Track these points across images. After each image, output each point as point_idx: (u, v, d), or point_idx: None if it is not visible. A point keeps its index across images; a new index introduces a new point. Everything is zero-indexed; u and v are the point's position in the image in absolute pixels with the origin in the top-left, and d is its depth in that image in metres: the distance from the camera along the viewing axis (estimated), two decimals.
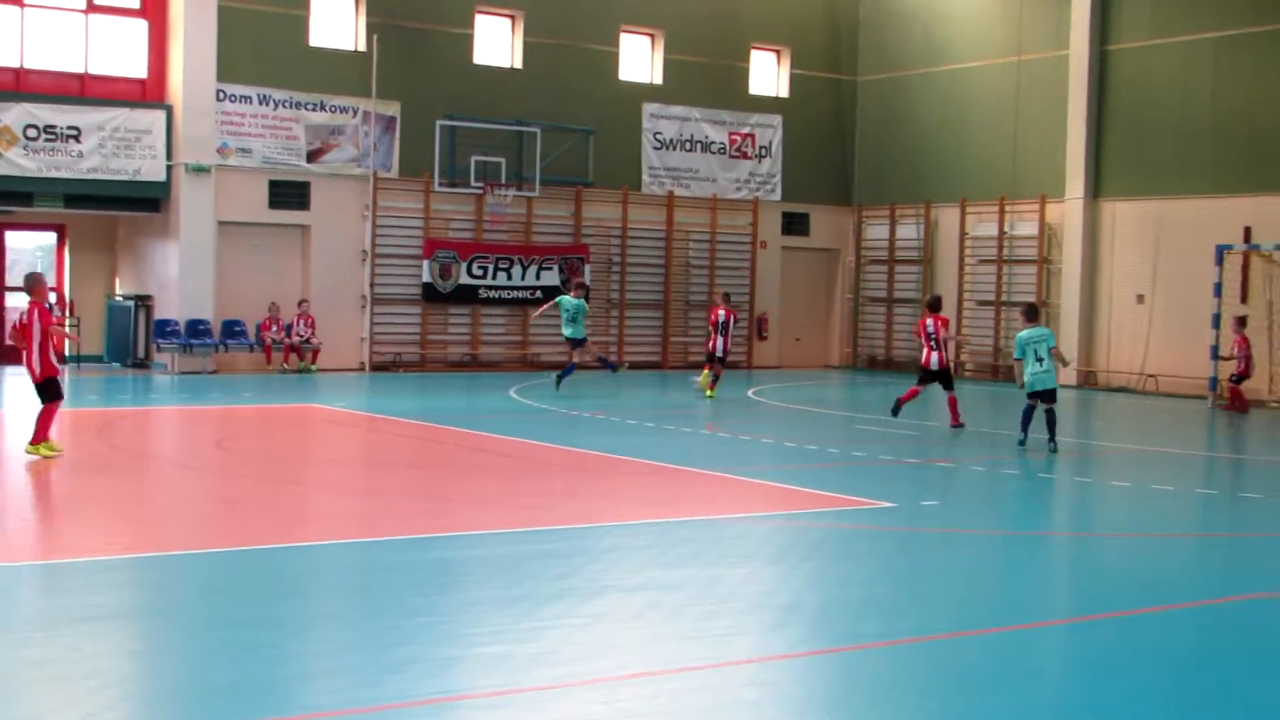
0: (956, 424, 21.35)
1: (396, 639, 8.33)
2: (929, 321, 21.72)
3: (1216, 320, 27.76)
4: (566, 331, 26.92)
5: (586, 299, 27.82)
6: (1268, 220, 28.55)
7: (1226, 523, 14.39)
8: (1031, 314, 19.89)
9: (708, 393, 26.35)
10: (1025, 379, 19.06)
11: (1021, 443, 19.04)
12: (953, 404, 21.55)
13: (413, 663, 7.84)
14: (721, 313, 26.40)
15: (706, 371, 26.99)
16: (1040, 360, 18.84)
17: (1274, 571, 11.44)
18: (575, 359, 27.16)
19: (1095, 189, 32.13)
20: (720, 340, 26.43)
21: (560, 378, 26.43)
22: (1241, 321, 27.15)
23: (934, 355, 21.54)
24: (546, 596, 9.59)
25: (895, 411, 21.80)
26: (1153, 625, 9.45)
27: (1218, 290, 27.89)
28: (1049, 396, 18.89)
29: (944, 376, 21.69)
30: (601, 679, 7.64)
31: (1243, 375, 26.71)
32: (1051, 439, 18.78)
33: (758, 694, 7.60)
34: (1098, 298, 32.01)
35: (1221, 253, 27.99)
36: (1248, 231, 28.81)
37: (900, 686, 7.83)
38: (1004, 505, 15.12)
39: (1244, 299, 28.63)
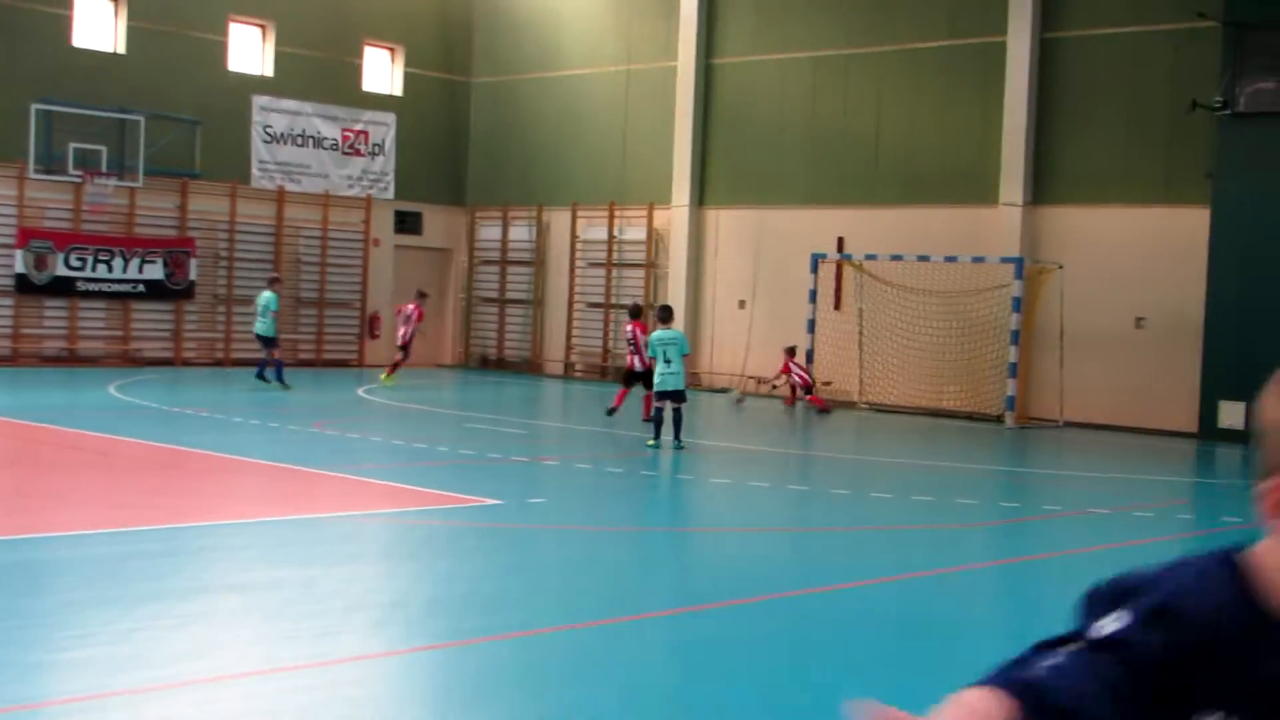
0: (648, 418, 21.74)
1: None
2: (628, 328, 23.43)
3: (811, 325, 29.09)
4: (259, 328, 26.97)
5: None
6: (859, 231, 30.04)
7: (813, 518, 15.08)
8: (666, 315, 20.50)
9: (386, 381, 29.04)
10: (655, 380, 19.49)
11: (654, 444, 19.35)
12: (648, 401, 22.04)
13: None
14: (410, 307, 28.43)
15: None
16: (669, 362, 19.18)
17: (851, 563, 12.05)
18: (277, 355, 27.14)
19: (700, 197, 33.16)
20: (404, 331, 29.43)
21: (280, 377, 26.80)
22: (791, 351, 28.83)
23: (635, 359, 22.80)
24: (141, 598, 9.29)
25: (610, 413, 22.84)
26: (742, 615, 9.82)
27: (812, 296, 29.22)
28: (677, 397, 19.26)
29: (645, 377, 22.04)
30: (197, 680, 7.45)
31: (808, 387, 28.54)
32: (677, 438, 19.26)
33: (359, 692, 7.56)
34: (702, 302, 33.04)
35: (816, 261, 29.34)
36: (840, 241, 30.24)
37: (504, 681, 7.91)
38: (608, 502, 15.45)
39: (837, 305, 30.05)
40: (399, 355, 29.74)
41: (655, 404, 19.78)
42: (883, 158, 30.17)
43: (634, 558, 12.22)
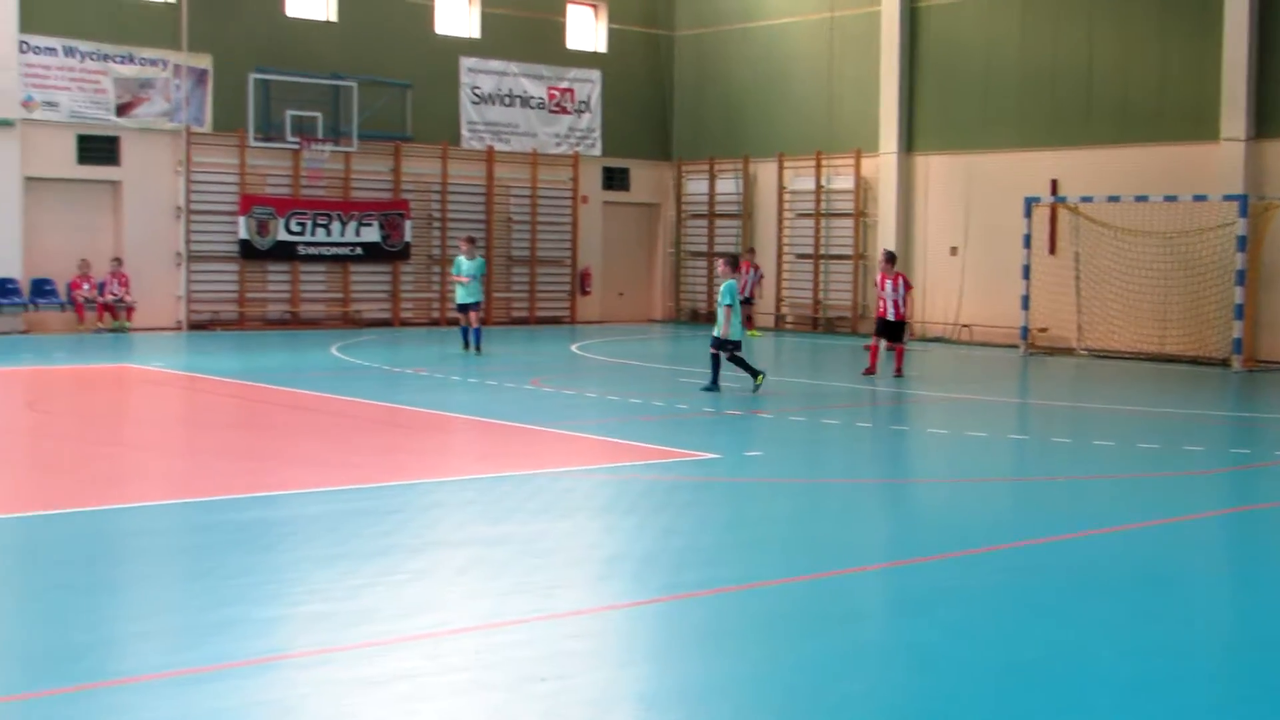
0: (899, 374, 22.31)
1: (217, 600, 8.23)
2: (886, 279, 22.82)
3: (1026, 271, 28.53)
4: (465, 295, 25.72)
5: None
6: (1073, 172, 29.36)
7: (1037, 467, 14.81)
8: (734, 264, 20.46)
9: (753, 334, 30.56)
10: (733, 328, 19.56)
11: (712, 388, 19.54)
12: (899, 354, 22.44)
13: (234, 623, 7.74)
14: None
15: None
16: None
17: (1080, 513, 11.81)
18: (474, 322, 25.75)
19: (908, 143, 32.71)
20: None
21: (477, 344, 25.56)
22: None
23: (891, 307, 22.56)
24: (369, 554, 9.53)
25: (884, 372, 22.49)
26: (967, 567, 9.70)
27: (1027, 241, 28.64)
28: (739, 345, 19.78)
29: (898, 329, 22.49)
30: (425, 635, 7.62)
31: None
32: (755, 376, 19.49)
33: (582, 645, 7.65)
34: (913, 250, 32.61)
35: (1030, 205, 28.73)
36: (1054, 184, 29.58)
37: (725, 634, 7.94)
38: (825, 454, 15.37)
39: (1052, 250, 29.41)
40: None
41: (713, 350, 19.72)
42: (1096, 96, 29.38)
43: (853, 510, 12.15)
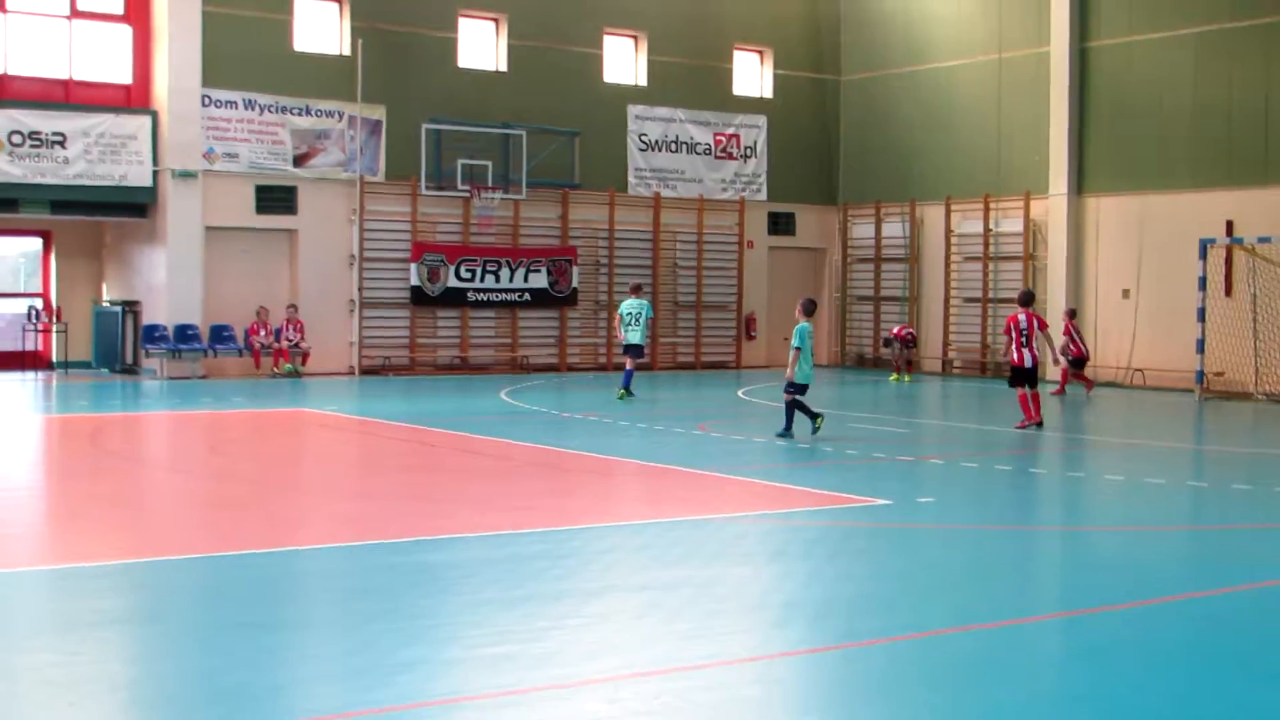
0: (1036, 420, 20.90)
1: (400, 641, 8.36)
2: (1020, 317, 21.28)
3: (1201, 314, 27.91)
4: (633, 337, 25.43)
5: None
6: (1249, 213, 28.73)
7: (1217, 515, 14.47)
8: (810, 308, 19.97)
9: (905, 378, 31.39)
10: (799, 371, 19.25)
11: (818, 425, 19.37)
12: (1035, 400, 21.05)
13: (418, 664, 7.87)
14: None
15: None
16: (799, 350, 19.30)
17: (1263, 563, 11.52)
18: (631, 365, 25.64)
19: (1079, 185, 32.27)
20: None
21: (627, 386, 25.17)
22: (1071, 313, 28.96)
23: (1025, 353, 21.07)
24: (547, 597, 9.62)
25: (1035, 425, 20.94)
26: (1147, 617, 9.51)
27: (1202, 284, 28.03)
28: (803, 389, 19.46)
29: (1032, 375, 21.18)
30: (606, 678, 7.68)
31: (1079, 358, 28.34)
32: (814, 419, 19.40)
33: (761, 692, 7.64)
34: (1084, 293, 32.12)
35: (1205, 246, 28.14)
36: (1230, 225, 28.97)
37: (902, 682, 7.88)
38: (998, 500, 15.17)
39: (1228, 292, 28.78)
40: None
41: (796, 396, 19.37)
42: (1273, 135, 28.76)
43: (1029, 557, 11.98)
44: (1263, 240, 27.84)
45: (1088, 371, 28.95)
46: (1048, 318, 28.71)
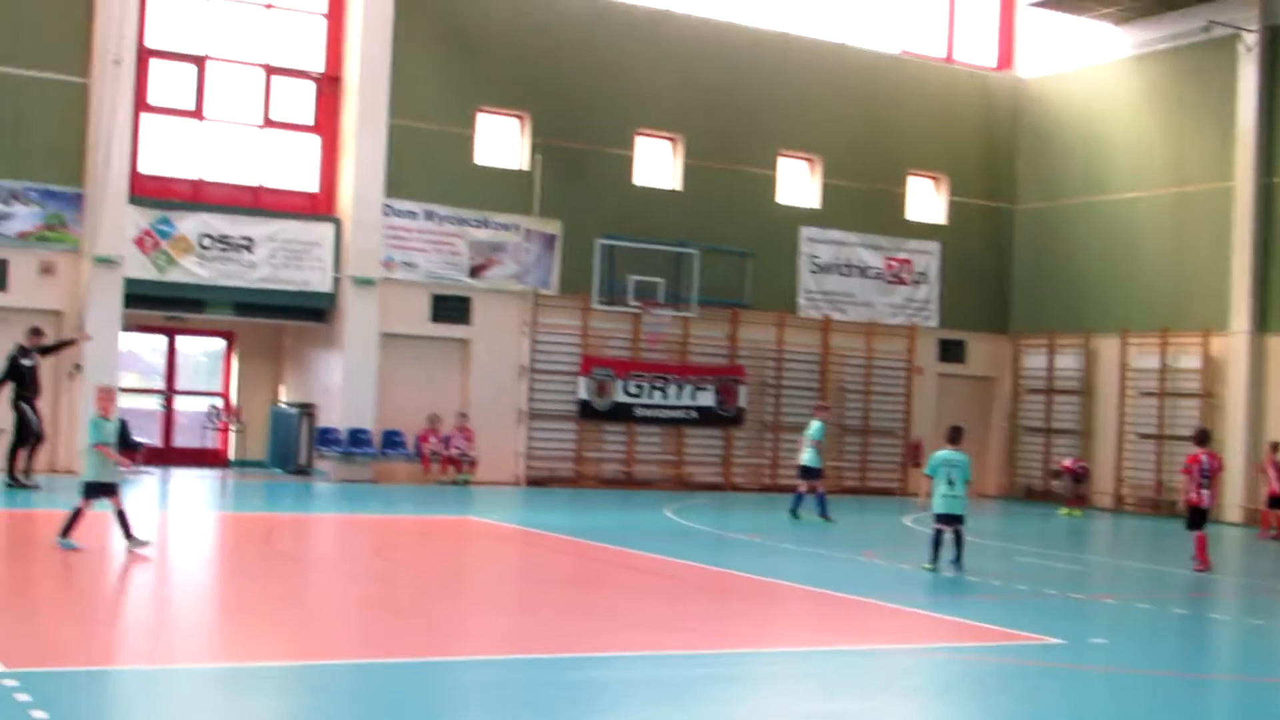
0: (1207, 566, 20.20)
1: None
2: (1203, 457, 20.70)
3: None
4: (808, 459, 25.82)
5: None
6: None
7: None
8: (955, 436, 19.70)
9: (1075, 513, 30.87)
10: (935, 500, 18.94)
11: (931, 567, 18.73)
12: (1200, 543, 20.37)
13: None
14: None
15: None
16: (951, 483, 18.85)
17: None
18: (804, 489, 25.98)
19: (1261, 323, 31.55)
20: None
21: (823, 510, 25.56)
22: (1275, 446, 27.67)
23: (1205, 494, 20.53)
24: None
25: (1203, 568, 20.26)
26: None
27: None
28: (956, 520, 18.88)
29: (1202, 515, 20.62)
30: None
31: (1275, 497, 27.37)
32: (958, 559, 18.78)
33: None
34: (1263, 433, 31.24)
35: None
36: None
37: None
38: (1174, 645, 14.71)
39: None
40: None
41: (936, 526, 18.92)
42: None
43: (1208, 708, 11.57)
44: None
45: None
46: (1226, 457, 28.09)
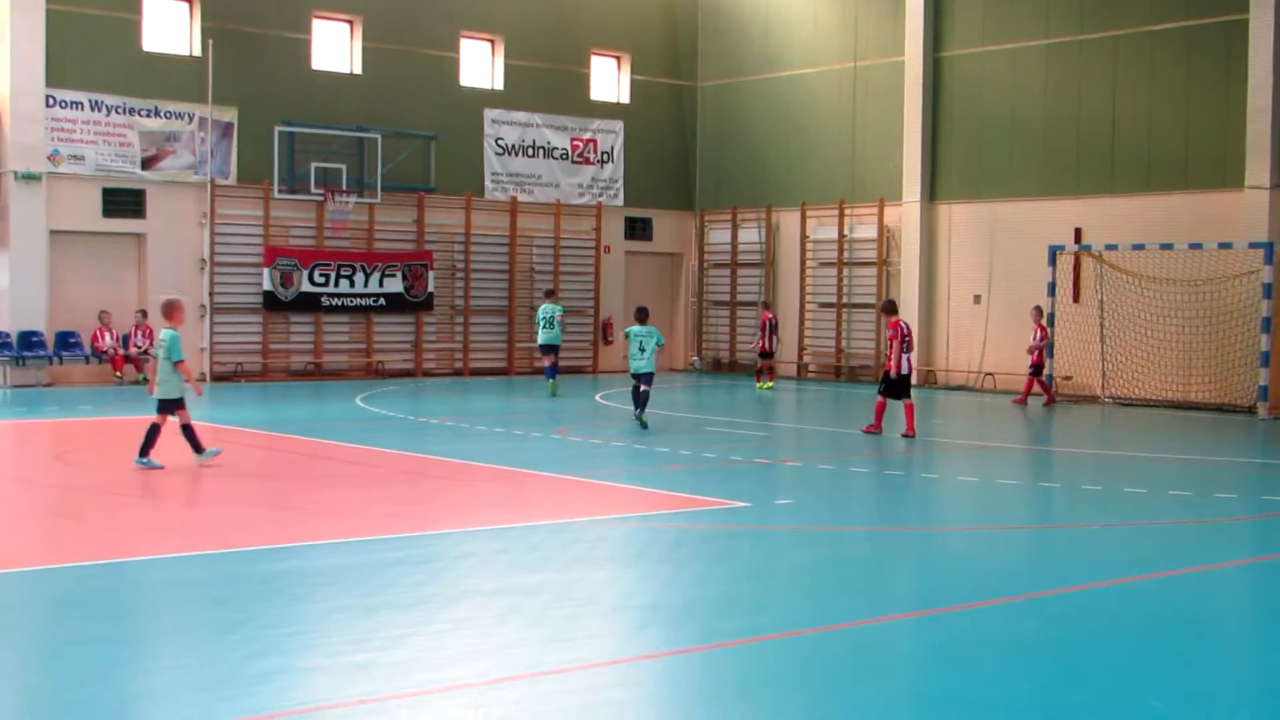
0: (910, 432, 20.72)
1: (256, 651, 8.19)
2: (903, 324, 21.21)
3: (1052, 319, 28.52)
4: (546, 338, 28.51)
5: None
6: (1097, 221, 29.37)
7: (1069, 514, 14.73)
8: (642, 317, 22.42)
9: (768, 386, 30.86)
10: (631, 364, 21.72)
11: (639, 418, 21.45)
12: (909, 411, 20.94)
13: (274, 674, 7.71)
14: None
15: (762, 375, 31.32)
16: (643, 350, 21.52)
17: (1111, 560, 11.74)
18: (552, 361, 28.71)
19: (931, 192, 32.74)
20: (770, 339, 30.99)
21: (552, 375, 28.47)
22: (1040, 311, 28.47)
23: (906, 360, 20.95)
24: (406, 604, 9.50)
25: (870, 431, 20.97)
26: (1004, 615, 9.64)
27: (1051, 289, 28.65)
28: (648, 379, 21.60)
29: (903, 385, 21.05)
30: (468, 685, 7.59)
31: (1037, 366, 28.19)
32: (641, 411, 21.51)
33: (624, 695, 7.61)
34: (936, 298, 32.60)
35: (1054, 253, 28.74)
36: (1078, 232, 29.59)
37: (765, 682, 7.89)
38: (855, 502, 15.31)
39: (1076, 298, 29.38)
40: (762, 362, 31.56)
41: (634, 384, 21.68)
42: (1120, 145, 29.41)
43: (887, 558, 12.09)
44: (1110, 248, 28.49)
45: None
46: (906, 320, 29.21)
